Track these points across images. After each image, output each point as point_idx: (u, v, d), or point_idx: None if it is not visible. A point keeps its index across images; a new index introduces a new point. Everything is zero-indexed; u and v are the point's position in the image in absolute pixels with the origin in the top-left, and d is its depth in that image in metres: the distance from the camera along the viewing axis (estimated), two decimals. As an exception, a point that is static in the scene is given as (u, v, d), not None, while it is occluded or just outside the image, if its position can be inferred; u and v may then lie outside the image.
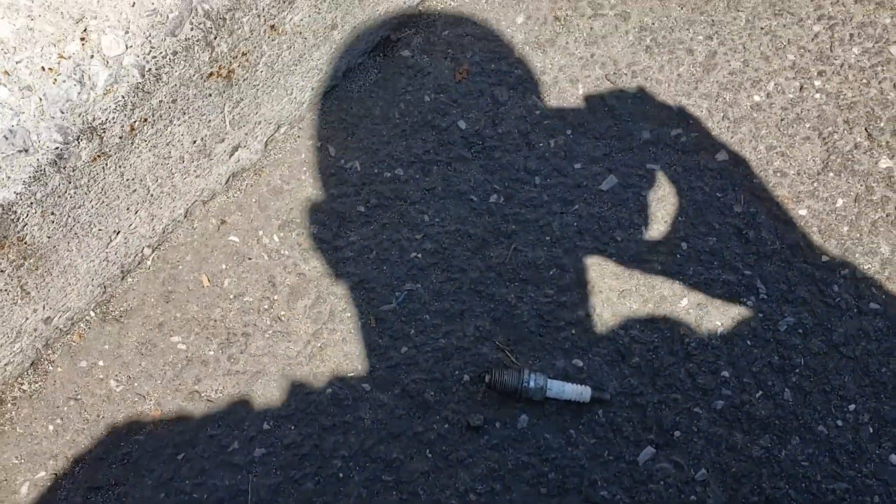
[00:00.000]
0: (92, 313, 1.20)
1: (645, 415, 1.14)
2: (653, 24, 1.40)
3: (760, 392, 1.15)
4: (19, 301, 1.10)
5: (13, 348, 1.14)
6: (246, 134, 1.26)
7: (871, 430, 1.11)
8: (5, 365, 1.14)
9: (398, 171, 1.29)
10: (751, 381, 1.15)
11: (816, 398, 1.14)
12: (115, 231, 1.17)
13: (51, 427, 1.14)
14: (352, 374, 1.17)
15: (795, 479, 1.10)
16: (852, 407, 1.14)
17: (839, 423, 1.13)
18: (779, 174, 1.28)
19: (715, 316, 1.19)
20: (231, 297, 1.22)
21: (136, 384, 1.16)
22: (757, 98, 1.34)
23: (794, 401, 1.14)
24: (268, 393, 1.16)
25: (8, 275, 1.05)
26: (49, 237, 1.07)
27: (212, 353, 1.18)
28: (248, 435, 1.13)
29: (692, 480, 1.10)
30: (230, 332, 1.19)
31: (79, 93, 1.00)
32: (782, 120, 1.32)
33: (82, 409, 1.15)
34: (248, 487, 1.10)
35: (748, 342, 1.18)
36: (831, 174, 1.27)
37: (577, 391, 1.10)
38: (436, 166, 1.29)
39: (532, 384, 1.10)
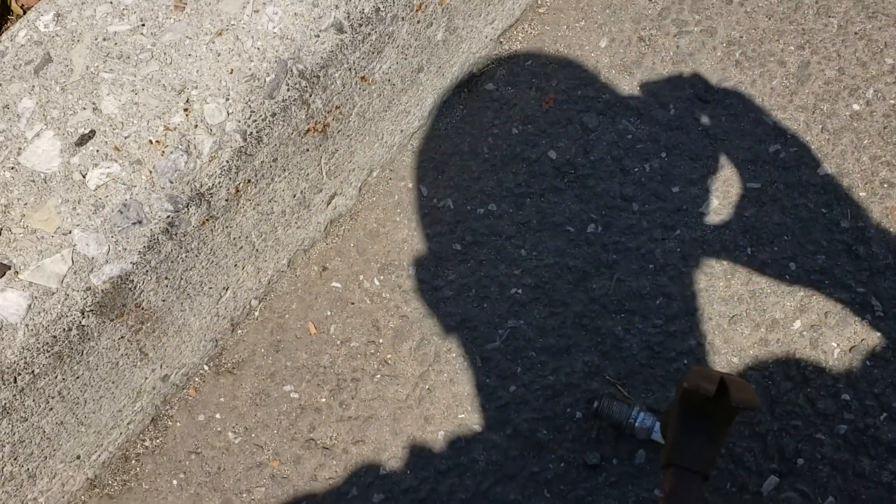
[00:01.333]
0: (206, 367, 1.24)
1: (766, 443, 1.12)
2: (740, 37, 1.38)
3: (885, 414, 1.12)
4: (139, 363, 1.14)
5: (134, 407, 1.18)
6: (341, 182, 1.28)
7: None
8: (128, 424, 1.18)
9: (491, 206, 1.30)
10: (874, 404, 1.12)
11: (946, 419, 1.11)
12: (224, 287, 1.20)
13: (174, 482, 1.18)
14: (462, 416, 1.18)
15: (931, 506, 1.06)
16: None
17: (974, 444, 1.09)
18: (886, 185, 1.25)
19: (830, 337, 1.17)
20: (338, 342, 1.24)
21: (253, 435, 1.19)
22: (856, 107, 1.31)
23: (923, 423, 1.11)
24: (381, 437, 1.18)
25: (128, 340, 1.09)
26: (164, 300, 1.11)
27: (324, 399, 1.20)
28: (365, 481, 1.15)
29: (821, 511, 1.07)
30: (340, 378, 1.22)
31: (185, 162, 1.04)
32: (885, 128, 1.28)
33: (203, 462, 1.18)
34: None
35: (867, 363, 1.15)
36: (943, 181, 1.23)
37: None
38: (529, 199, 1.29)
39: (638, 423, 1.09)
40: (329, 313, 1.27)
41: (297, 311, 1.27)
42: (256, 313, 1.27)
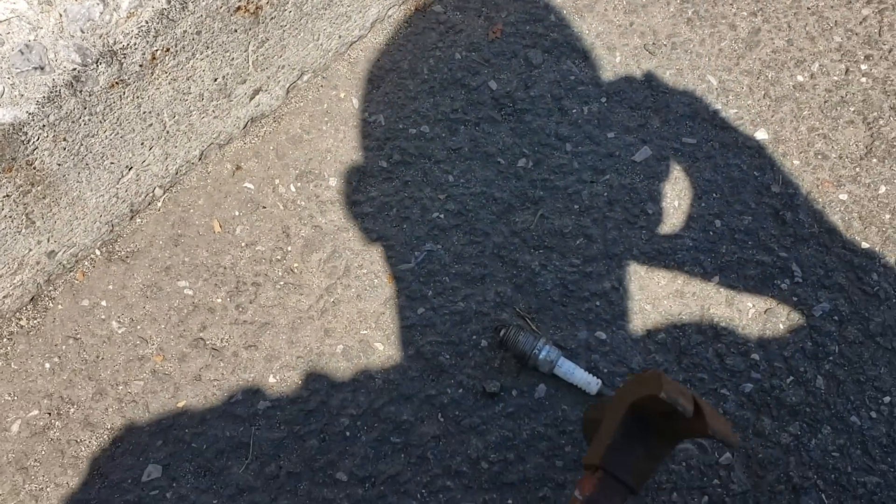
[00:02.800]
0: (98, 252, 1.16)
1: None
2: (697, -5, 1.36)
3: (791, 378, 1.11)
4: (23, 230, 1.06)
5: (13, 280, 1.10)
6: (268, 77, 1.22)
7: (907, 422, 1.07)
8: (4, 297, 1.10)
9: (424, 128, 1.26)
10: (782, 366, 1.11)
11: (850, 387, 1.10)
12: (127, 166, 1.13)
13: (47, 365, 1.10)
14: (365, 332, 1.13)
15: (825, 470, 1.05)
16: (887, 399, 1.10)
17: (873, 414, 1.09)
18: (820, 156, 1.24)
19: (747, 297, 1.15)
20: (243, 244, 1.18)
21: (139, 327, 1.12)
22: (800, 78, 1.30)
23: (827, 389, 1.10)
24: (275, 345, 1.12)
25: (14, 200, 1.01)
26: (59, 164, 1.03)
27: (219, 300, 1.14)
28: (252, 387, 1.09)
29: (716, 464, 1.06)
30: (240, 280, 1.15)
31: (101, 13, 0.97)
32: (826, 102, 1.28)
33: (81, 349, 1.11)
34: (251, 440, 1.05)
35: (781, 326, 1.14)
36: (875, 160, 1.24)
37: (586, 380, 1.06)
38: (463, 126, 1.25)
39: (542, 355, 1.05)
40: (237, 213, 1.20)
41: (204, 207, 1.20)
42: (159, 203, 1.20)
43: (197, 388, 1.10)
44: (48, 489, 1.04)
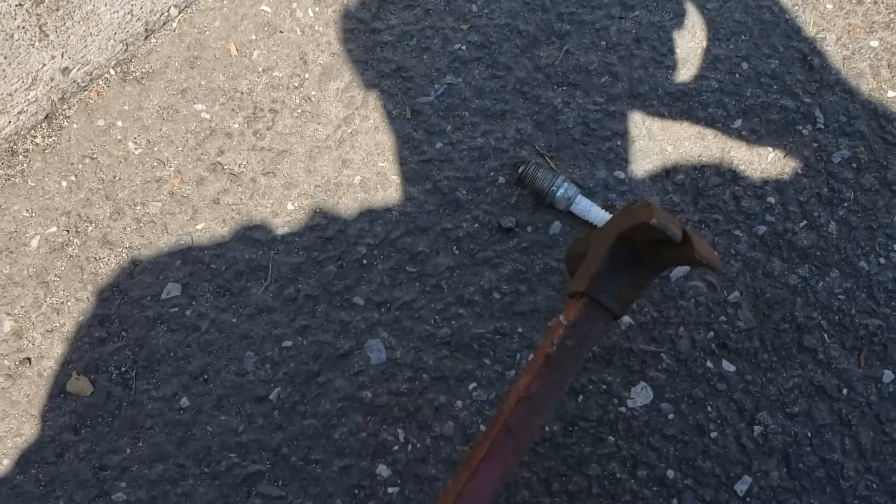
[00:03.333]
0: (112, 71, 1.14)
1: (683, 233, 1.10)
2: None
3: (805, 222, 1.12)
4: (37, 43, 1.03)
5: (27, 96, 1.08)
6: None
7: (915, 270, 1.09)
8: (18, 113, 1.09)
9: (448, -46, 1.21)
10: (796, 210, 1.12)
11: (861, 234, 1.11)
12: (141, -19, 1.09)
13: (64, 183, 1.10)
14: (382, 164, 1.13)
15: (829, 311, 1.08)
16: (897, 246, 1.11)
17: (882, 260, 1.11)
18: (854, 1, 1.20)
19: (767, 141, 1.15)
20: (259, 70, 1.16)
21: (155, 149, 1.12)
22: (845, -85, 1.24)
23: (839, 234, 1.11)
24: (294, 173, 1.12)
25: (27, 10, 0.98)
26: (72, -27, 0.99)
27: (237, 126, 1.13)
28: (271, 211, 1.09)
29: (724, 301, 1.08)
30: (257, 106, 1.14)
31: None
32: (868, -58, 1.23)
33: (98, 169, 1.11)
34: (269, 264, 1.07)
35: (799, 171, 1.14)
36: (912, 6, 1.20)
37: (602, 217, 1.07)
38: (489, -47, 1.20)
39: (561, 191, 1.06)
40: (254, 37, 1.17)
41: (220, 29, 1.17)
42: (174, 24, 1.17)
43: (215, 212, 1.11)
44: (69, 303, 1.07)
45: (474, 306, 1.09)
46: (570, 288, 0.84)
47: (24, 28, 1.02)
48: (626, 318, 1.07)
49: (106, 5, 1.08)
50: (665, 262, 0.79)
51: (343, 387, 1.05)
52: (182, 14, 1.18)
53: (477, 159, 1.15)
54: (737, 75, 1.18)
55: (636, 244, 0.79)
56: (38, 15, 1.02)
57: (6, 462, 1.00)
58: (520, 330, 1.08)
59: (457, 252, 1.11)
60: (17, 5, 0.99)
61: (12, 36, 1.01)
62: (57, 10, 1.04)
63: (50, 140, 1.13)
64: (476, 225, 1.12)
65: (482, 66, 1.18)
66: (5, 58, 1.03)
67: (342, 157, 1.15)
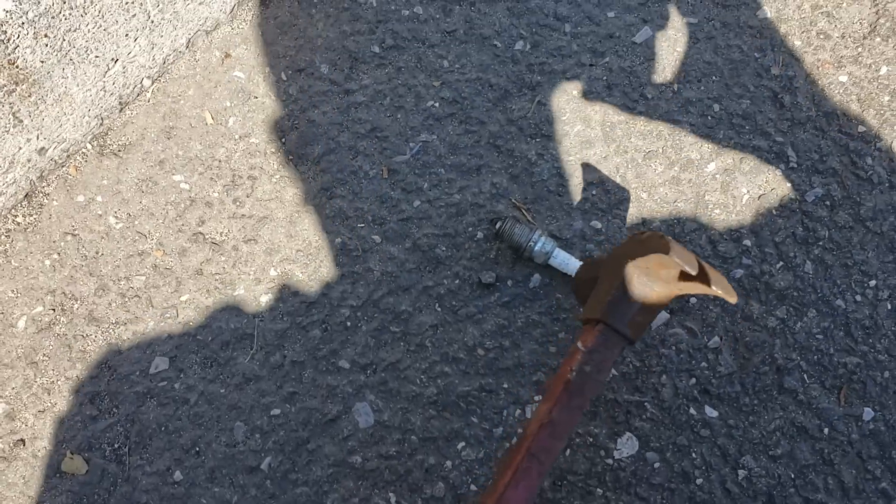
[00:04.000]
0: (89, 146, 1.17)
1: (662, 280, 1.13)
2: None
3: (781, 263, 1.14)
4: (11, 129, 1.06)
5: (6, 178, 1.11)
6: (254, -42, 1.18)
7: (890, 307, 1.12)
8: (8, 192, 1.11)
9: (417, 8, 1.23)
10: (772, 252, 1.15)
11: (837, 272, 1.14)
12: (112, 59, 1.11)
13: (47, 262, 1.13)
14: (362, 226, 1.15)
15: (808, 352, 1.11)
16: (873, 283, 1.14)
17: (858, 297, 1.13)
18: (822, 36, 1.23)
19: (742, 182, 1.17)
20: (236, 137, 1.18)
21: (136, 222, 1.14)
22: (809, -49, 1.27)
23: (815, 273, 1.14)
24: (274, 238, 1.14)
25: (1, 100, 1.00)
26: (42, 62, 1.02)
27: (216, 194, 1.16)
28: (255, 278, 1.12)
29: (704, 347, 1.11)
30: (235, 173, 1.16)
31: None
32: (833, -23, 1.25)
33: (80, 245, 1.13)
34: (254, 331, 1.10)
35: (773, 211, 1.16)
36: (878, 39, 1.22)
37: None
38: (458, 6, 1.23)
39: (538, 246, 1.08)
40: (229, 104, 1.19)
41: (194, 97, 1.19)
42: (148, 94, 1.19)
43: (199, 282, 1.14)
44: (59, 382, 1.09)
45: (459, 363, 1.12)
46: (586, 314, 0.88)
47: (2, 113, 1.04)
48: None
49: (78, 85, 1.11)
50: (678, 290, 0.83)
51: (333, 452, 1.07)
52: (155, 84, 1.20)
53: (455, 215, 1.17)
54: (709, 117, 1.21)
55: (649, 274, 0.83)
56: (10, 104, 1.04)
57: None
58: (505, 386, 1.11)
59: (439, 309, 1.14)
60: (-10, 95, 1.01)
61: None
62: (29, 96, 1.06)
63: (31, 219, 1.15)
64: (457, 281, 1.15)
65: (455, 122, 1.21)
66: None
67: (321, 220, 1.17)
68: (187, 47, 1.21)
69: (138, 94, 1.19)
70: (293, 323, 1.12)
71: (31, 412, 1.07)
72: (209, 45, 1.20)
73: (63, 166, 1.17)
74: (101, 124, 1.18)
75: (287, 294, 1.13)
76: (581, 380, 0.84)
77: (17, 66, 1.01)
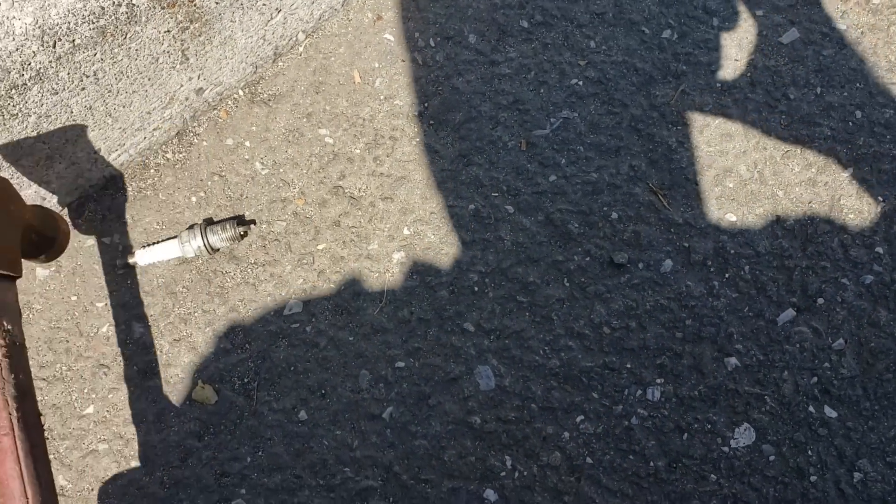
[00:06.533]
0: (241, 92, 1.26)
1: (791, 278, 1.19)
2: None
3: (914, 274, 1.19)
4: (178, 66, 1.15)
5: (163, 114, 1.20)
6: (420, -75, 1.27)
7: None
8: (153, 130, 1.21)
9: (567, -10, 1.30)
10: (906, 262, 1.20)
11: (971, 288, 1.19)
12: (277, 9, 1.20)
13: (193, 199, 1.22)
14: (496, 195, 1.23)
15: (935, 363, 1.16)
16: None
17: None
18: (974, 53, 1.28)
19: (878, 191, 1.23)
20: (381, 97, 1.26)
21: (281, 170, 1.23)
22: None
23: (948, 287, 1.19)
24: (410, 199, 1.22)
25: (173, 36, 1.10)
26: (217, 3, 1.11)
27: (358, 151, 1.24)
28: (388, 235, 1.20)
29: (828, 348, 1.16)
30: (378, 133, 1.25)
31: None
32: None
33: (226, 186, 1.22)
34: (385, 286, 1.18)
35: (910, 223, 1.21)
36: None
37: None
38: (609, -9, 1.30)
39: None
40: (377, 65, 1.28)
41: (344, 55, 1.28)
42: (301, 49, 1.28)
43: (336, 233, 1.22)
44: (196, 314, 1.19)
45: (584, 339, 1.19)
46: None
47: (168, 52, 1.14)
48: (733, 360, 1.16)
49: (242, 31, 1.20)
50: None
51: (453, 410, 1.15)
52: (308, 39, 1.29)
53: (590, 193, 1.24)
54: (850, 123, 1.27)
55: None
56: (182, 40, 1.14)
57: (133, 464, 1.12)
58: (628, 366, 1.18)
59: (567, 284, 1.21)
60: (164, 32, 1.11)
61: (157, 59, 1.13)
62: (200, 35, 1.15)
63: (180, 156, 1.25)
64: (588, 258, 1.22)
65: (598, 102, 1.28)
66: (149, 79, 1.15)
67: (457, 185, 1.25)
68: (342, 5, 1.30)
69: (292, 47, 1.28)
70: (422, 282, 1.20)
71: (167, 340, 1.17)
72: (362, 5, 1.29)
73: (215, 109, 1.27)
74: (255, 72, 1.27)
75: (418, 253, 1.21)
76: None
77: (195, 4, 1.10)
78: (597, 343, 1.19)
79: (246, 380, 1.17)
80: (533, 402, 1.16)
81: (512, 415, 1.16)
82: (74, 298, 1.20)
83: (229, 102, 1.28)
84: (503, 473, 1.13)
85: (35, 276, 1.20)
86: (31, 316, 1.19)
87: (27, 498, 0.75)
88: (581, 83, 1.29)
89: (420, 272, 1.22)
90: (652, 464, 1.13)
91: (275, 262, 1.22)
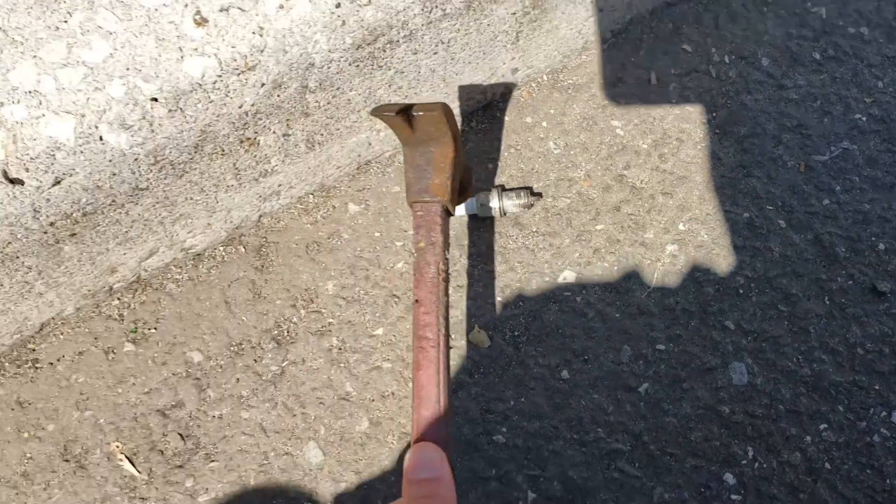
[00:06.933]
0: (545, 77, 1.41)
1: None
2: None
3: None
4: (508, 46, 1.31)
5: (482, 86, 1.36)
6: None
7: None
8: (467, 100, 1.37)
9: (863, 29, 1.40)
10: None
11: None
12: (599, 8, 1.34)
13: (490, 165, 1.37)
14: (770, 208, 1.33)
15: None
16: None
17: None
18: None
19: None
20: (673, 101, 1.39)
21: (571, 152, 1.37)
22: None
23: None
24: (688, 198, 1.34)
25: (516, 18, 1.26)
26: (557, -7, 1.26)
27: (645, 146, 1.37)
28: (664, 228, 1.32)
29: None
30: (666, 132, 1.37)
31: None
32: None
33: (520, 159, 1.37)
34: (655, 273, 1.30)
35: None
36: None
37: None
38: (905, 37, 1.38)
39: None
40: (672, 71, 1.41)
41: (643, 57, 1.41)
42: (605, 46, 1.42)
43: (615, 217, 1.35)
44: (478, 268, 1.34)
45: (836, 355, 1.28)
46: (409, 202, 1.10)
47: (506, 32, 1.29)
48: None
49: (567, 23, 1.35)
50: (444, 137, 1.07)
51: (704, 397, 1.26)
52: (614, 38, 1.43)
53: (860, 222, 1.33)
54: None
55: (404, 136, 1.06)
56: (520, 23, 1.29)
57: (409, 386, 1.27)
58: (877, 387, 1.26)
59: (828, 302, 1.30)
60: (511, 13, 1.26)
61: (496, 37, 1.29)
62: (535, 21, 1.31)
63: (483, 125, 1.41)
64: (850, 282, 1.31)
65: (878, 139, 1.37)
66: (483, 53, 1.31)
67: (735, 194, 1.36)
68: (650, 14, 1.43)
69: (600, 42, 1.42)
70: (691, 276, 1.32)
71: (452, 285, 1.32)
72: (664, 15, 1.42)
73: (519, 89, 1.42)
74: (561, 61, 1.42)
75: (690, 249, 1.33)
76: (422, 255, 1.05)
77: (540, -6, 1.25)
78: (849, 361, 1.28)
79: (517, 333, 1.31)
80: (780, 404, 1.26)
81: (759, 411, 1.26)
82: (378, 234, 1.37)
83: (533, 85, 1.43)
84: (744, 462, 1.23)
85: (347, 209, 1.38)
86: (339, 243, 1.37)
87: (439, 404, 0.91)
88: (864, 119, 1.38)
89: (690, 267, 1.34)
90: (888, 481, 1.21)
91: (555, 233, 1.36)
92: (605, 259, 1.33)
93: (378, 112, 1.03)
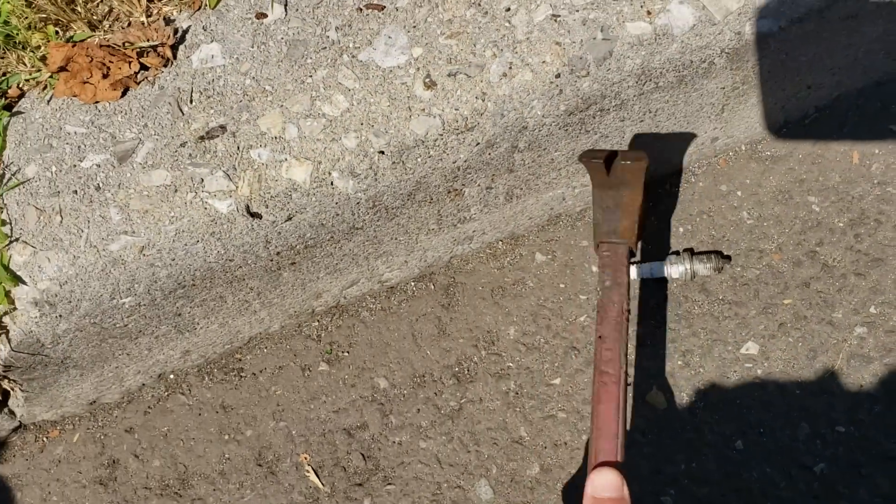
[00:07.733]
0: (743, 147, 1.46)
1: None
2: None
3: None
4: (712, 117, 1.38)
5: (683, 150, 1.41)
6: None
7: None
8: (674, 162, 1.42)
9: None
10: None
11: None
12: (807, 85, 1.37)
13: (681, 229, 1.43)
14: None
15: None
16: None
17: None
18: None
19: None
20: (875, 181, 1.40)
21: (764, 224, 1.41)
22: None
23: None
24: (883, 281, 1.35)
25: (725, 93, 1.32)
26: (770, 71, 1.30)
27: (841, 224, 1.38)
28: (853, 308, 1.33)
29: None
30: (864, 213, 1.38)
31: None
32: None
33: (712, 226, 1.42)
34: (839, 355, 1.31)
35: None
36: None
37: None
38: None
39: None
40: (876, 151, 1.42)
41: (846, 135, 1.44)
42: (807, 121, 1.45)
43: (803, 293, 1.38)
44: (661, 328, 1.38)
45: None
46: (595, 244, 1.24)
47: (712, 104, 1.35)
48: None
49: (772, 98, 1.39)
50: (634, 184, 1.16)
51: (883, 485, 1.26)
52: (817, 114, 1.46)
53: None
54: None
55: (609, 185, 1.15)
56: (728, 97, 1.35)
57: (583, 437, 1.33)
58: None
59: None
60: (721, 88, 1.32)
61: (701, 108, 1.35)
62: (742, 95, 1.36)
63: (676, 189, 1.46)
64: None
65: None
66: (687, 122, 1.37)
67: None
68: (858, 92, 1.45)
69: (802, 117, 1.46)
70: (880, 359, 1.32)
71: (632, 344, 1.38)
72: (872, 97, 1.43)
73: (716, 156, 1.47)
74: (761, 133, 1.46)
75: (881, 333, 1.34)
76: (607, 294, 1.15)
77: (742, 70, 1.30)
78: None
79: (694, 398, 1.35)
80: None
81: (943, 509, 1.25)
82: (562, 286, 1.45)
83: (730, 153, 1.48)
84: (923, 560, 1.22)
85: (534, 258, 1.47)
86: (523, 290, 1.46)
87: (617, 438, 0.98)
88: None
89: (878, 351, 1.34)
90: None
91: (741, 303, 1.40)
92: (791, 334, 1.36)
93: (586, 158, 1.13)
